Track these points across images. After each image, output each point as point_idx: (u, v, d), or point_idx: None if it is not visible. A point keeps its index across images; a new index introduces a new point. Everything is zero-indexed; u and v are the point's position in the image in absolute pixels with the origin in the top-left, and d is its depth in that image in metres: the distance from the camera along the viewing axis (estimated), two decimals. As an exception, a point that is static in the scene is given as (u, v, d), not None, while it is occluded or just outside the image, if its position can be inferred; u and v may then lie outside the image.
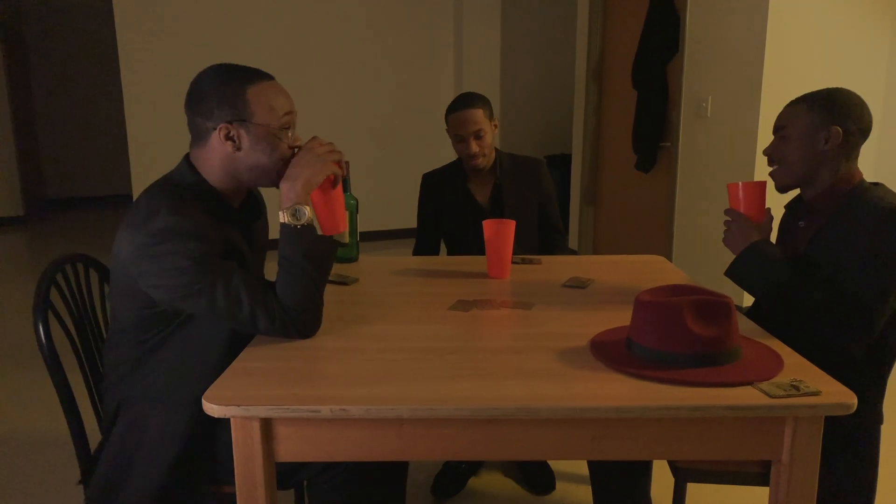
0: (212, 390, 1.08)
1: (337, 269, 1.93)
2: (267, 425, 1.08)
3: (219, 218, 1.32)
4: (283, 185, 1.31)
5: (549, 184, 2.29)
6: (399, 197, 5.90)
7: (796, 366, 1.18)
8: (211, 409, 1.04)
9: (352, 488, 1.36)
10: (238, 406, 1.04)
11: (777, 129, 1.53)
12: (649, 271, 1.89)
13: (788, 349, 1.26)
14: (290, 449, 1.10)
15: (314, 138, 1.36)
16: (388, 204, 5.92)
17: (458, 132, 2.11)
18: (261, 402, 1.05)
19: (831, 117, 1.43)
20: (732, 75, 3.13)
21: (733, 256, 1.52)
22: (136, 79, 5.05)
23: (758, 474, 1.43)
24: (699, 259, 3.46)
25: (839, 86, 1.49)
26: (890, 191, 1.45)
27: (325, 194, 1.35)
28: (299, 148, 1.36)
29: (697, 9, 3.38)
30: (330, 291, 1.71)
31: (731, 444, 1.09)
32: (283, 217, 1.29)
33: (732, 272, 1.51)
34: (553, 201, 2.29)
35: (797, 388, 1.07)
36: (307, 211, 1.29)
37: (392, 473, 1.50)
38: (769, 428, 1.08)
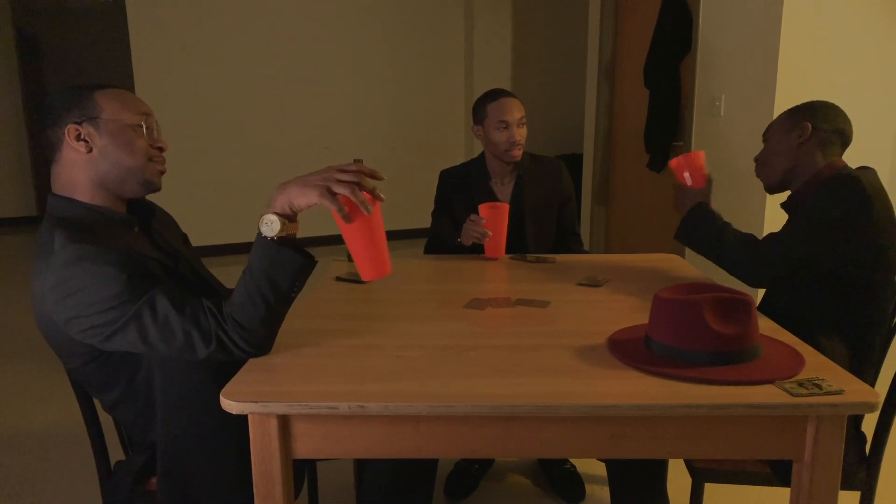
0: (230, 386, 1.08)
1: (350, 266, 1.93)
2: (285, 422, 1.08)
3: (115, 233, 1.23)
4: (274, 190, 1.16)
5: (570, 186, 2.26)
6: (411, 196, 5.89)
7: (818, 364, 1.16)
8: (228, 405, 1.04)
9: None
10: (256, 402, 1.04)
11: (763, 136, 1.71)
12: (665, 270, 1.88)
13: (809, 347, 1.25)
14: (308, 445, 1.09)
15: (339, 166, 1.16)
16: (401, 203, 5.92)
17: (505, 118, 2.10)
18: (279, 399, 1.05)
19: (802, 116, 1.61)
20: (746, 74, 3.11)
21: None
22: (148, 81, 5.07)
23: (773, 474, 1.41)
24: (712, 259, 3.43)
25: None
26: (870, 170, 1.52)
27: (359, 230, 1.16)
28: (163, 148, 1.29)
29: (710, 7, 3.35)
30: (343, 289, 1.71)
31: (752, 443, 1.07)
32: (258, 224, 1.15)
33: (680, 233, 1.70)
34: (571, 204, 2.26)
35: (819, 387, 1.06)
36: (277, 224, 1.12)
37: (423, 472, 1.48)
38: (791, 427, 1.06)
